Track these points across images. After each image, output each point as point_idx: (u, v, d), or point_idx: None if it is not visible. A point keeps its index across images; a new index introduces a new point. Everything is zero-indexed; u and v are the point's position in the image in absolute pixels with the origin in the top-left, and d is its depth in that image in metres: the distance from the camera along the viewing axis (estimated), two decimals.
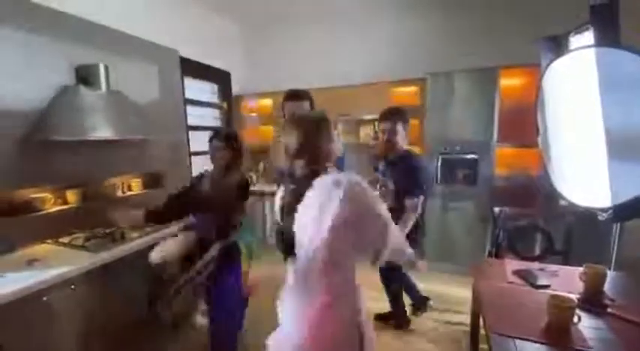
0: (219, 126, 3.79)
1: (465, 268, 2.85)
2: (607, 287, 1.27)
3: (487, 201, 2.85)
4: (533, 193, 2.68)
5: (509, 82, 2.82)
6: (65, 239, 1.86)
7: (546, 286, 1.33)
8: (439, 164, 3.02)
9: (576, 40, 2.12)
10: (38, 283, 1.40)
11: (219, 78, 3.75)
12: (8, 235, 1.72)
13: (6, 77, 1.72)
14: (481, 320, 1.33)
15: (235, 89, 3.94)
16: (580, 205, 1.95)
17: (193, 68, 3.24)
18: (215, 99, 3.80)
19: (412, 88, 3.28)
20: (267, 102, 3.89)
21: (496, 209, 2.24)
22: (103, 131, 1.92)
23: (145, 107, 2.47)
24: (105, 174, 2.29)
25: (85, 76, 2.04)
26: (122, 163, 2.38)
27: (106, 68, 2.08)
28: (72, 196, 2.06)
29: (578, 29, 2.15)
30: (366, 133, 3.49)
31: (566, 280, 1.39)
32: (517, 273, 1.45)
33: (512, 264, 1.58)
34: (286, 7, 3.56)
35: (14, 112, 1.75)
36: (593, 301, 1.21)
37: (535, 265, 1.53)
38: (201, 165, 3.34)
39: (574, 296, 1.16)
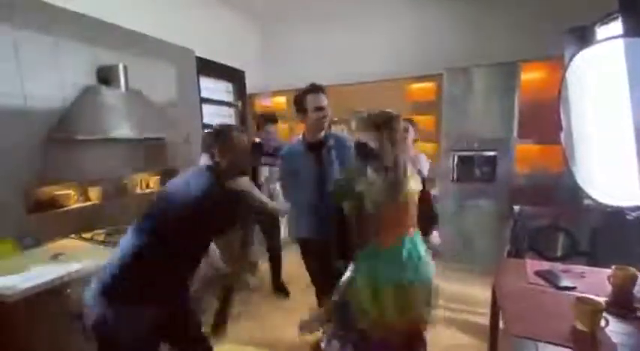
0: (234, 124, 3.83)
1: (482, 267, 2.78)
2: (637, 290, 1.21)
3: (506, 199, 2.77)
4: (555, 191, 2.58)
5: (531, 76, 2.72)
6: (87, 235, 1.92)
7: (571, 288, 1.27)
8: (455, 161, 2.95)
9: (603, 31, 2.03)
10: (61, 276, 1.45)
11: (234, 76, 3.78)
12: (34, 230, 1.79)
13: (31, 78, 1.79)
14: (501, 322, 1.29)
15: (249, 87, 3.96)
16: (607, 204, 1.86)
17: (208, 67, 3.28)
18: (230, 97, 3.84)
19: (428, 84, 3.22)
20: (281, 100, 3.90)
21: (516, 208, 2.17)
22: (123, 130, 1.97)
23: (162, 106, 2.52)
24: (124, 171, 2.35)
25: (105, 76, 2.10)
26: (141, 160, 2.44)
27: (125, 68, 2.13)
28: (93, 193, 2.13)
29: (605, 19, 2.05)
30: None
31: (593, 282, 1.32)
32: (539, 273, 1.39)
33: (534, 264, 1.52)
34: (300, 4, 3.55)
35: (39, 111, 1.81)
36: (622, 304, 1.15)
37: (559, 266, 1.47)
38: None
39: (602, 299, 1.11)
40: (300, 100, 1.65)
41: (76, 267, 1.52)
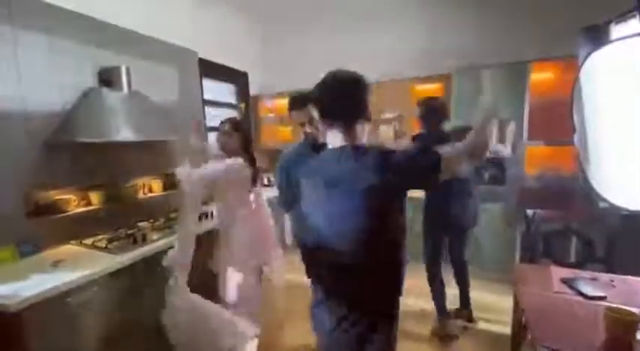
0: None
1: (491, 272, 2.72)
2: None
3: (516, 202, 2.71)
4: (567, 193, 2.52)
5: (541, 76, 2.68)
6: (88, 241, 1.86)
7: (602, 298, 1.21)
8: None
9: (619, 29, 1.98)
10: (62, 285, 1.39)
11: (237, 79, 3.74)
12: (34, 236, 1.73)
13: (31, 80, 1.73)
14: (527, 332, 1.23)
15: (253, 90, 3.91)
16: (624, 208, 1.80)
17: (212, 69, 3.23)
18: (233, 100, 3.79)
19: (434, 85, 3.17)
20: (285, 102, 3.83)
21: (529, 211, 2.11)
22: (125, 133, 1.91)
23: (165, 108, 2.46)
24: (126, 175, 2.29)
25: (107, 78, 2.04)
26: (143, 164, 2.38)
27: (128, 70, 2.08)
28: (95, 197, 2.06)
29: (621, 17, 2.00)
30: (385, 132, 3.40)
31: (623, 291, 1.26)
32: (565, 281, 1.33)
33: (558, 271, 1.46)
34: (304, 5, 3.51)
35: (39, 114, 1.76)
36: None
37: (585, 274, 1.40)
38: None
39: (635, 310, 1.04)
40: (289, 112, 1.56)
41: (76, 275, 1.46)
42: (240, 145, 1.87)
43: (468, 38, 3.10)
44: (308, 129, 1.52)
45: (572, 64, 2.42)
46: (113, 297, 1.60)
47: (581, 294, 1.25)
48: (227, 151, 1.86)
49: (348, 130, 0.99)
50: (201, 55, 2.96)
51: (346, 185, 0.93)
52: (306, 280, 1.14)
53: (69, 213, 1.91)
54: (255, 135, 3.97)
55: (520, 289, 1.33)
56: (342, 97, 1.00)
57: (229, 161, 1.76)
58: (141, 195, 2.41)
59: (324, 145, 1.60)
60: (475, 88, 2.81)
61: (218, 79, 3.48)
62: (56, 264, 1.56)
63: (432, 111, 2.04)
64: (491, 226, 2.85)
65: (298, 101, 1.51)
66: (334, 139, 1.01)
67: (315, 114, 1.48)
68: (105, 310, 1.56)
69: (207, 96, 3.25)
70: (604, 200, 2.07)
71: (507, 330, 1.80)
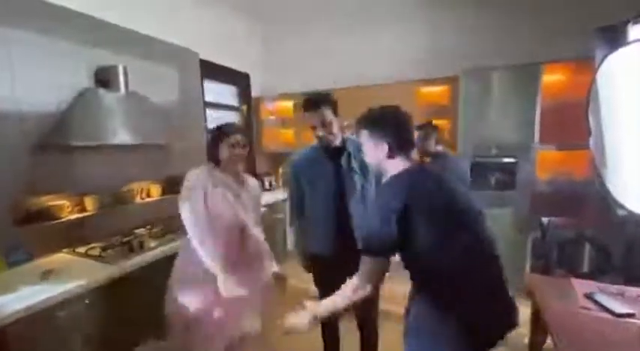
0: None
1: None
2: None
3: (527, 208, 2.62)
4: (581, 199, 2.43)
5: (553, 78, 2.59)
6: (82, 249, 1.77)
7: (631, 315, 1.12)
8: (470, 168, 2.79)
9: (636, 30, 1.90)
10: (51, 298, 1.30)
11: (239, 80, 3.66)
12: (24, 244, 1.64)
13: (24, 80, 1.65)
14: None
15: (254, 91, 3.84)
16: None
17: (213, 70, 3.15)
18: (234, 102, 3.71)
19: (441, 88, 3.09)
20: (288, 104, 3.77)
21: (544, 219, 2.02)
22: (122, 136, 1.83)
23: (164, 110, 2.38)
24: (123, 179, 2.21)
25: (104, 78, 1.97)
26: (141, 167, 2.30)
27: (125, 70, 2.00)
28: (90, 202, 1.98)
29: (638, 18, 1.92)
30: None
31: None
32: (589, 296, 1.24)
33: (580, 284, 1.37)
34: (307, 6, 3.44)
35: (31, 115, 1.68)
36: None
37: (610, 288, 1.31)
38: None
39: None
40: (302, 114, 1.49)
41: (67, 286, 1.37)
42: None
43: (475, 39, 3.02)
44: (320, 132, 1.44)
45: (585, 66, 2.34)
46: (107, 310, 1.51)
47: (607, 310, 1.16)
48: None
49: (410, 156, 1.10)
50: (202, 56, 2.88)
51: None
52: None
53: (62, 219, 1.82)
54: (256, 138, 3.89)
55: (542, 304, 1.24)
56: (410, 133, 1.14)
57: None
58: (138, 200, 2.32)
59: (338, 149, 1.52)
60: (483, 90, 2.73)
61: (219, 80, 3.41)
62: (46, 274, 1.47)
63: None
64: (499, 233, 2.75)
65: (312, 103, 1.43)
66: (397, 165, 1.07)
67: (331, 115, 1.42)
68: (98, 324, 1.47)
69: (208, 98, 3.17)
70: (622, 207, 1.99)
71: (523, 339, 1.70)
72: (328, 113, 1.43)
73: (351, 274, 1.06)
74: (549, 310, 1.21)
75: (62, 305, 1.34)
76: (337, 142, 1.48)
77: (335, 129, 1.46)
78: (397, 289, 1.69)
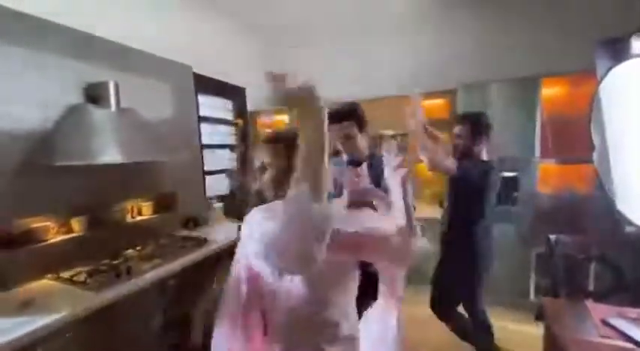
0: (233, 143, 3.63)
1: (501, 297, 2.55)
2: None
3: (528, 224, 2.55)
4: (587, 215, 2.37)
5: (552, 91, 2.57)
6: (66, 274, 1.66)
7: None
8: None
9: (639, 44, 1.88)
10: (30, 333, 1.20)
11: (234, 94, 3.61)
12: (4, 271, 1.53)
13: (8, 96, 1.57)
14: None
15: (250, 105, 3.79)
16: None
17: (207, 84, 3.11)
18: (230, 116, 3.65)
19: (439, 101, 3.07)
20: (284, 118, 3.72)
21: (552, 237, 1.95)
22: (112, 155, 1.75)
23: (157, 126, 2.31)
24: (113, 198, 2.12)
25: (94, 94, 1.89)
26: (132, 185, 2.20)
27: (117, 86, 1.93)
28: (77, 223, 1.89)
29: None
30: (388, 149, 3.26)
31: None
32: (607, 323, 1.16)
33: (597, 309, 1.29)
34: (304, 19, 3.43)
35: (16, 133, 1.59)
36: None
37: (629, 313, 1.23)
38: (215, 185, 3.17)
39: None
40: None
41: (48, 319, 1.27)
42: None
43: (474, 53, 3.02)
44: (339, 147, 1.34)
45: (584, 79, 2.32)
46: (90, 344, 1.40)
47: (630, 339, 1.09)
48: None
49: None
50: (197, 70, 2.84)
51: None
52: None
53: (46, 242, 1.73)
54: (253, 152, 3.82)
55: (558, 331, 1.15)
56: None
57: None
58: (129, 218, 2.23)
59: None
60: (482, 103, 2.71)
61: (214, 94, 3.35)
62: (26, 305, 1.37)
63: None
64: (500, 250, 2.68)
65: (334, 115, 1.36)
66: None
67: (355, 130, 1.33)
68: None
69: (203, 112, 3.11)
70: (630, 224, 1.93)
71: None
72: (352, 128, 1.36)
73: None
74: (567, 339, 1.12)
75: (42, 340, 1.23)
76: (362, 158, 1.36)
77: (360, 144, 1.38)
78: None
